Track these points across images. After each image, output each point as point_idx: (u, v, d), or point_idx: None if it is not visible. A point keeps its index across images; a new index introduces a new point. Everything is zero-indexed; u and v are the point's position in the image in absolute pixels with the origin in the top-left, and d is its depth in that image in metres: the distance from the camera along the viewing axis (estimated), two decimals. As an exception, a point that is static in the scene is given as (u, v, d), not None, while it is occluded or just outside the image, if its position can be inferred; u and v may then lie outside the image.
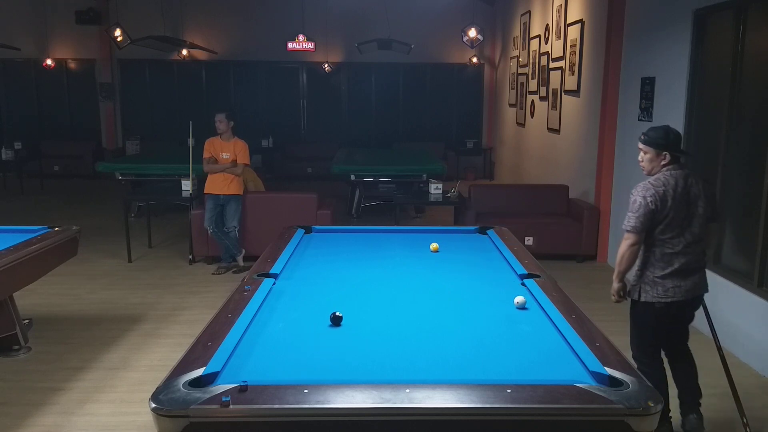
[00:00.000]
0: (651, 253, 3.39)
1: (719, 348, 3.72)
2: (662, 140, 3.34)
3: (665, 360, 3.65)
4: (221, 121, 6.53)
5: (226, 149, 6.59)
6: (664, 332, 3.53)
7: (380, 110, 14.87)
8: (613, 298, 3.58)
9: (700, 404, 3.59)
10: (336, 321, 2.81)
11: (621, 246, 3.40)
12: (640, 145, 3.42)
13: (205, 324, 2.72)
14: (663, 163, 3.34)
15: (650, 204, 3.26)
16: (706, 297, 3.63)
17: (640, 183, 3.36)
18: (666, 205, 3.27)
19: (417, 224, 9.23)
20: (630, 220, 3.32)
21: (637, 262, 3.44)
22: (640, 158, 3.46)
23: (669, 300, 3.37)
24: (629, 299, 3.54)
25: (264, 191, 7.59)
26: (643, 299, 3.42)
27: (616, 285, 3.51)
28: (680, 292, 3.37)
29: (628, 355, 3.35)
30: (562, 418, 2.04)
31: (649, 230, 3.33)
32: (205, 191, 6.72)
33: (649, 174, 3.39)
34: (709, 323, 3.72)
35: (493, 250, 4.23)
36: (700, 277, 3.46)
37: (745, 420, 3.52)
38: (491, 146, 14.57)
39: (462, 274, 3.70)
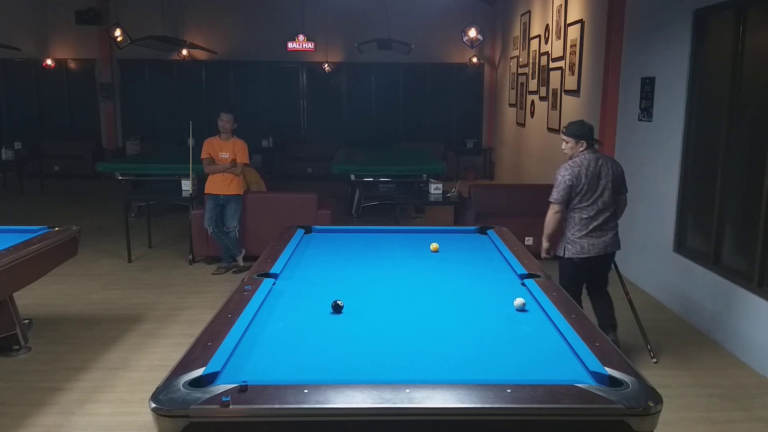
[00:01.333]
0: (572, 218, 4.37)
1: (625, 290, 4.84)
2: (579, 132, 4.31)
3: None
4: (228, 121, 6.54)
5: (225, 149, 6.59)
6: (583, 280, 4.49)
7: (380, 110, 14.87)
8: (543, 254, 4.53)
9: (615, 330, 4.52)
10: (337, 309, 2.88)
11: (547, 214, 4.36)
12: (563, 136, 4.39)
13: (205, 324, 2.71)
14: (581, 149, 4.30)
15: (567, 181, 4.24)
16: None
17: (563, 165, 4.34)
18: (581, 181, 4.24)
19: (417, 224, 9.23)
20: (554, 194, 4.31)
21: (563, 227, 4.42)
22: (563, 146, 4.40)
23: (585, 256, 4.35)
24: (555, 255, 4.52)
25: (264, 191, 7.59)
26: (566, 255, 4.40)
27: (545, 244, 4.52)
28: (594, 249, 4.35)
29: (629, 355, 3.39)
30: (562, 418, 2.04)
31: (569, 201, 4.29)
32: (205, 191, 6.72)
33: (572, 157, 4.34)
34: (618, 275, 4.83)
35: (493, 250, 4.23)
36: (611, 237, 4.41)
37: (649, 346, 4.62)
38: (491, 146, 14.57)
39: (462, 274, 3.69)
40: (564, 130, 4.38)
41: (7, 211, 10.17)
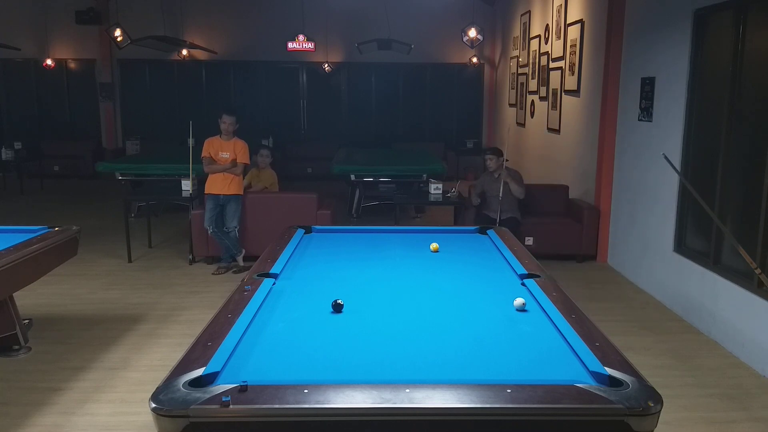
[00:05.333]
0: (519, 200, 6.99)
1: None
2: (501, 152, 6.88)
3: None
4: (231, 123, 6.53)
5: (226, 149, 6.59)
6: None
7: (380, 110, 14.88)
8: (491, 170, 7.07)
9: None
10: (337, 308, 2.88)
11: (522, 191, 6.80)
12: (490, 156, 6.89)
13: (205, 324, 2.71)
14: (503, 162, 6.78)
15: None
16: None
17: (512, 171, 6.92)
18: None
19: (417, 224, 9.23)
20: (523, 185, 6.82)
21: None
22: (488, 162, 6.86)
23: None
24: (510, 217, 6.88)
25: (263, 191, 7.58)
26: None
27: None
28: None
29: (629, 355, 3.39)
30: (562, 418, 2.04)
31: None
32: (206, 191, 6.72)
33: (495, 170, 6.85)
34: None
35: (493, 250, 4.23)
36: None
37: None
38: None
39: (462, 274, 3.69)
40: (488, 152, 7.00)
41: (7, 211, 10.17)
